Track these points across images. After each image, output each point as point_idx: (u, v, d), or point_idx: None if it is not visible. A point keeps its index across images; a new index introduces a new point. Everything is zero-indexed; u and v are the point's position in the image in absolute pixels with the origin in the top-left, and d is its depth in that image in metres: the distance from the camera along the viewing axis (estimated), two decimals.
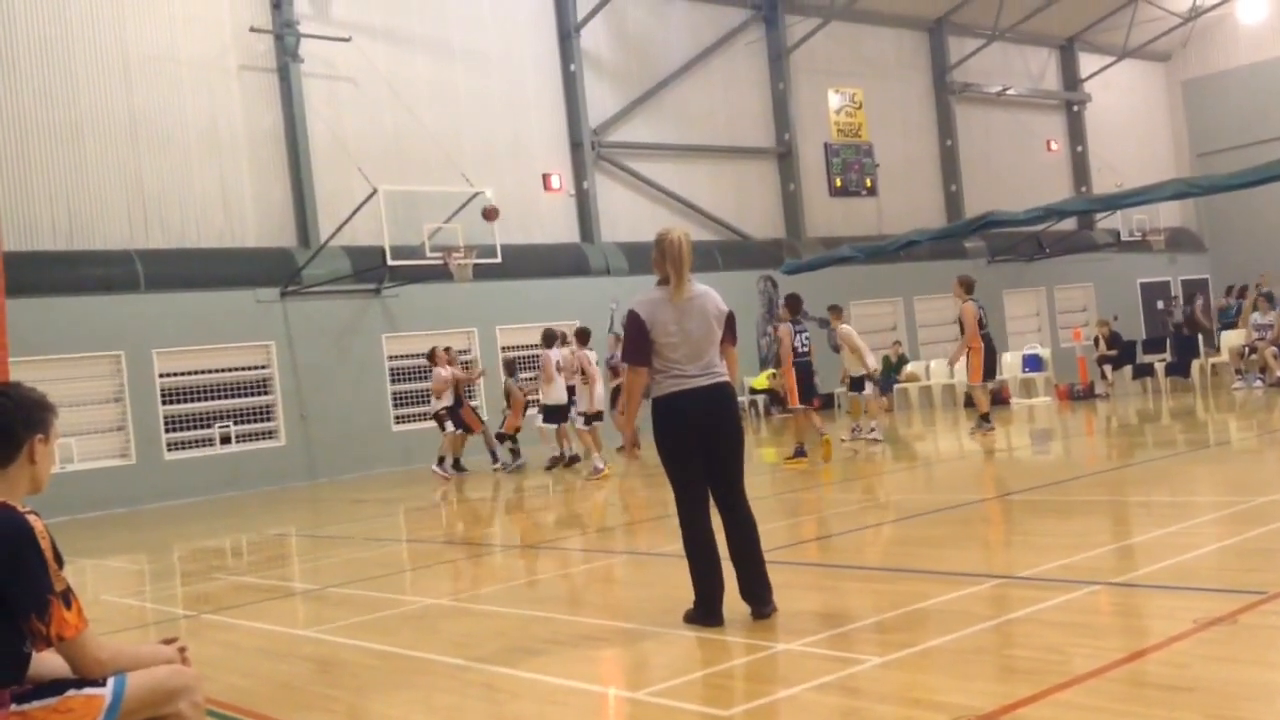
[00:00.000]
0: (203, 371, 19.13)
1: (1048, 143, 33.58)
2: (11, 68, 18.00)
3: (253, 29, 20.13)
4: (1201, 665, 4.49)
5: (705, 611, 5.91)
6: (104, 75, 18.76)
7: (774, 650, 5.43)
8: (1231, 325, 21.65)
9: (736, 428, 6.08)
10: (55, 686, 3.25)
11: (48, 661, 3.35)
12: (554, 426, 16.68)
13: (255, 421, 19.65)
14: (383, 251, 18.57)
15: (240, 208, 20.07)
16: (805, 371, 14.27)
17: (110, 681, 3.24)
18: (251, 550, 12.18)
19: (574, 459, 16.98)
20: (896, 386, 23.70)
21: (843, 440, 16.10)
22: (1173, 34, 34.55)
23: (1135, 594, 5.95)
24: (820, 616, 6.00)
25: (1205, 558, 6.55)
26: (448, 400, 17.63)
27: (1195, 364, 21.78)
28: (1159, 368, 21.96)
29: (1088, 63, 34.24)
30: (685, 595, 6.10)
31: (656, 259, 6.08)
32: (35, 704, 3.19)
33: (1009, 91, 32.33)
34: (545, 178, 23.70)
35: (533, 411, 17.68)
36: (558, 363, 16.43)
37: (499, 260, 19.46)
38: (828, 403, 22.09)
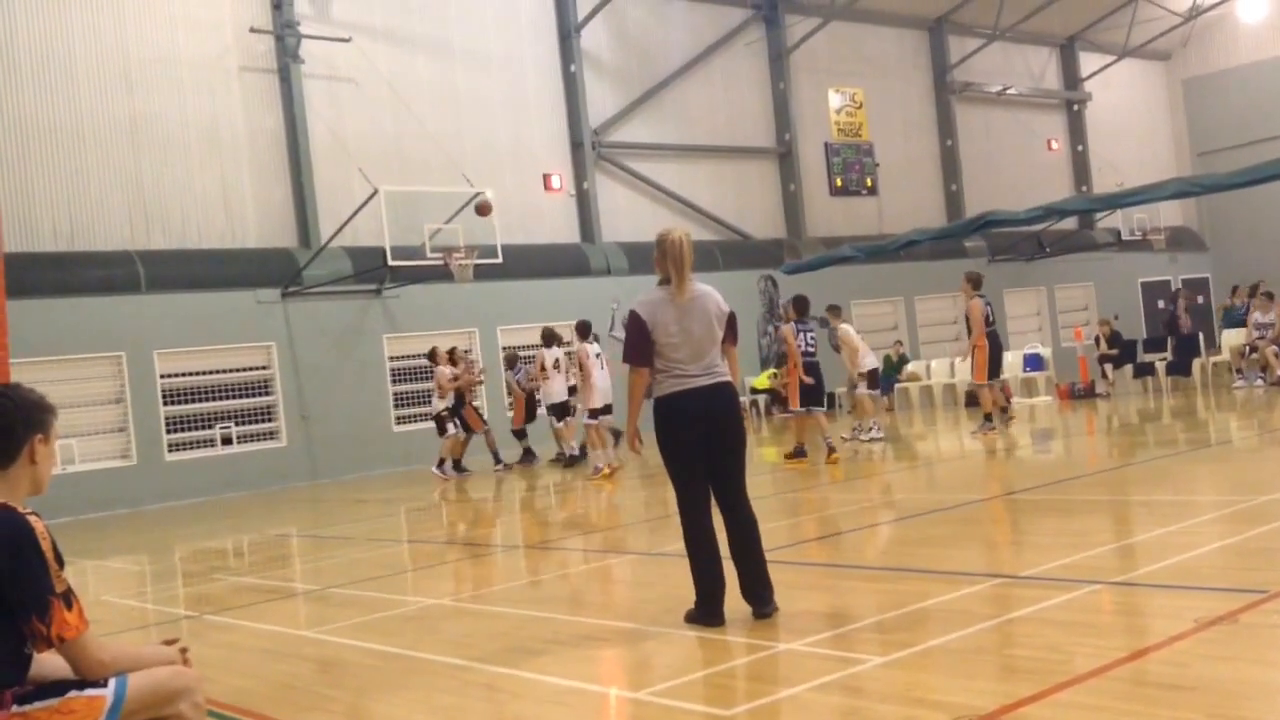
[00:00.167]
0: (204, 372, 19.12)
1: (1048, 142, 33.54)
2: (12, 69, 18.00)
3: (253, 30, 20.11)
4: (1203, 664, 4.49)
5: (706, 611, 5.91)
6: (104, 76, 18.76)
7: (775, 650, 5.43)
8: (1240, 324, 21.62)
9: (738, 427, 6.09)
10: (57, 687, 3.25)
11: (49, 662, 3.36)
12: (561, 424, 17.15)
13: (256, 422, 19.64)
14: (383, 252, 18.57)
15: (241, 208, 20.06)
16: (815, 372, 14.28)
17: (111, 682, 3.24)
18: (253, 551, 12.19)
19: (574, 458, 17.05)
20: (897, 386, 23.71)
21: (844, 439, 16.15)
22: (1173, 33, 34.51)
23: (1136, 593, 5.95)
24: (821, 616, 6.01)
25: (1206, 557, 6.55)
26: (450, 400, 17.65)
27: (1196, 363, 21.78)
28: (1160, 367, 21.96)
29: (1088, 62, 34.21)
30: (686, 595, 6.10)
31: (657, 259, 6.09)
32: (37, 705, 3.19)
33: (1009, 91, 32.30)
34: (546, 178, 23.70)
35: (542, 411, 18.05)
36: (556, 361, 16.64)
37: (500, 261, 19.47)
38: (828, 403, 22.05)
